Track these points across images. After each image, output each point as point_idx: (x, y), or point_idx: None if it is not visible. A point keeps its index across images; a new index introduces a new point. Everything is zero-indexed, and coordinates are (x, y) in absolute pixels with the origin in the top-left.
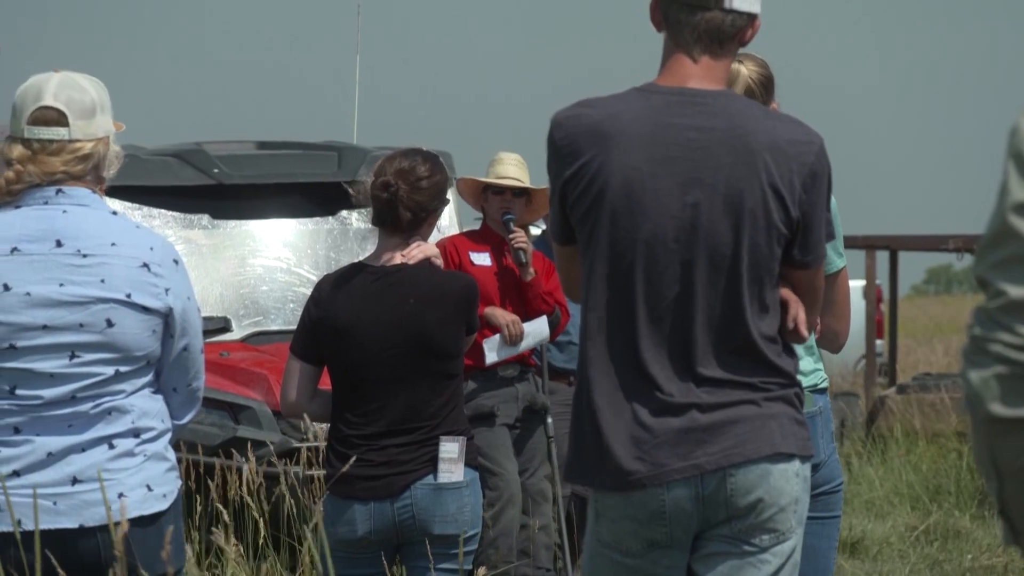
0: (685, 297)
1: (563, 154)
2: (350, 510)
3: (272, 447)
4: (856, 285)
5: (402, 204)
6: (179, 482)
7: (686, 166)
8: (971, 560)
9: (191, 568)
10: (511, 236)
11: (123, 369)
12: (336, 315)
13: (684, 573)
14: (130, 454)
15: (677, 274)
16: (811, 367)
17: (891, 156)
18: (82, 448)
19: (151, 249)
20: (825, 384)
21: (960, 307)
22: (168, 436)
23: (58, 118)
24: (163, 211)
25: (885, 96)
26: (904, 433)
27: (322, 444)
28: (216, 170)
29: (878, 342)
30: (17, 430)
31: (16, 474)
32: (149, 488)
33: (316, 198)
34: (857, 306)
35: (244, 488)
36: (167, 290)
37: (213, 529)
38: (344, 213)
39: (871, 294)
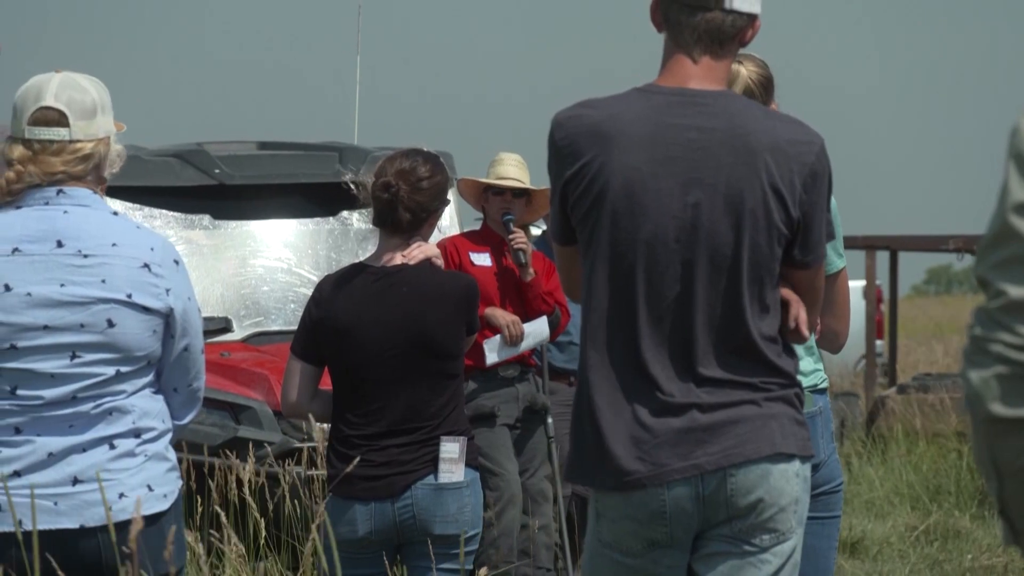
0: (686, 297)
1: (564, 154)
2: (351, 510)
3: (270, 449)
4: (856, 285)
5: (403, 205)
6: (180, 482)
7: (687, 166)
8: (971, 560)
9: (192, 568)
10: (511, 237)
11: (124, 369)
12: (337, 315)
13: (684, 573)
14: (131, 454)
15: (678, 274)
16: (811, 367)
17: (891, 156)
18: (83, 448)
19: (152, 249)
20: (825, 384)
21: (960, 307)
22: (169, 436)
23: (59, 118)
24: (164, 211)
25: (885, 96)
26: (904, 433)
27: (320, 444)
28: (217, 170)
29: (878, 342)
30: (18, 430)
31: (17, 474)
32: (150, 488)
33: (317, 198)
34: (857, 306)
35: (243, 489)
36: (168, 290)
37: (211, 532)
38: (345, 213)
39: (871, 294)
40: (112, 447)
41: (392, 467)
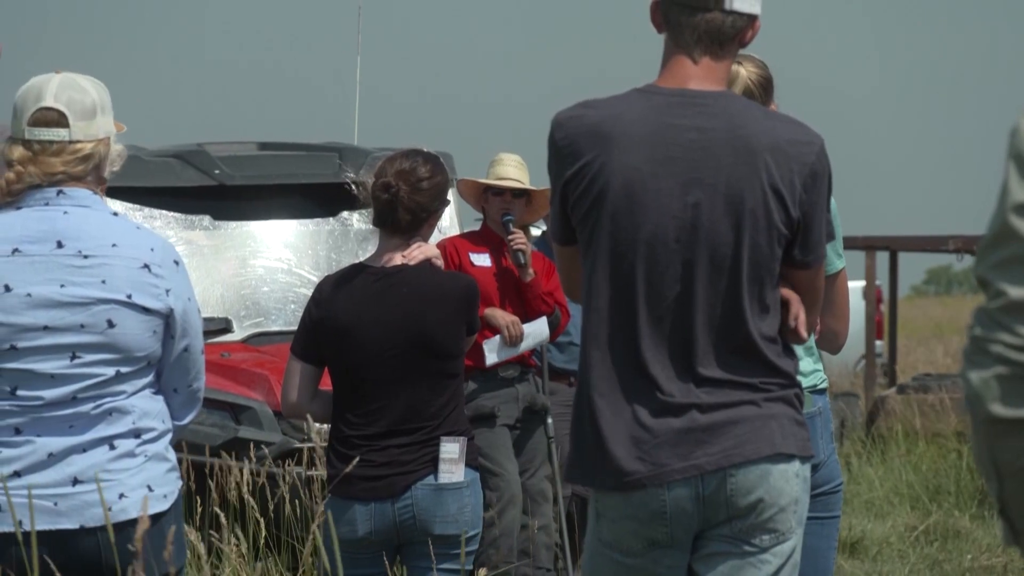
0: (686, 297)
1: (564, 155)
2: (351, 510)
3: (267, 450)
4: (856, 285)
5: (402, 205)
6: (180, 482)
7: (687, 166)
8: (971, 560)
9: (192, 568)
10: (510, 237)
11: (124, 370)
12: (337, 316)
13: (685, 573)
14: (131, 455)
15: (678, 274)
16: (811, 368)
17: (891, 156)
18: (83, 449)
19: (152, 250)
20: (824, 385)
21: (960, 308)
22: (169, 437)
23: (58, 119)
24: (164, 212)
25: (885, 96)
26: (904, 433)
27: (318, 445)
28: (217, 171)
29: (878, 342)
30: (18, 431)
31: (17, 475)
32: (150, 489)
33: (317, 199)
34: (857, 306)
35: (241, 489)
36: (168, 291)
37: (211, 532)
38: (345, 214)
39: (871, 294)
40: (112, 447)
41: (392, 467)
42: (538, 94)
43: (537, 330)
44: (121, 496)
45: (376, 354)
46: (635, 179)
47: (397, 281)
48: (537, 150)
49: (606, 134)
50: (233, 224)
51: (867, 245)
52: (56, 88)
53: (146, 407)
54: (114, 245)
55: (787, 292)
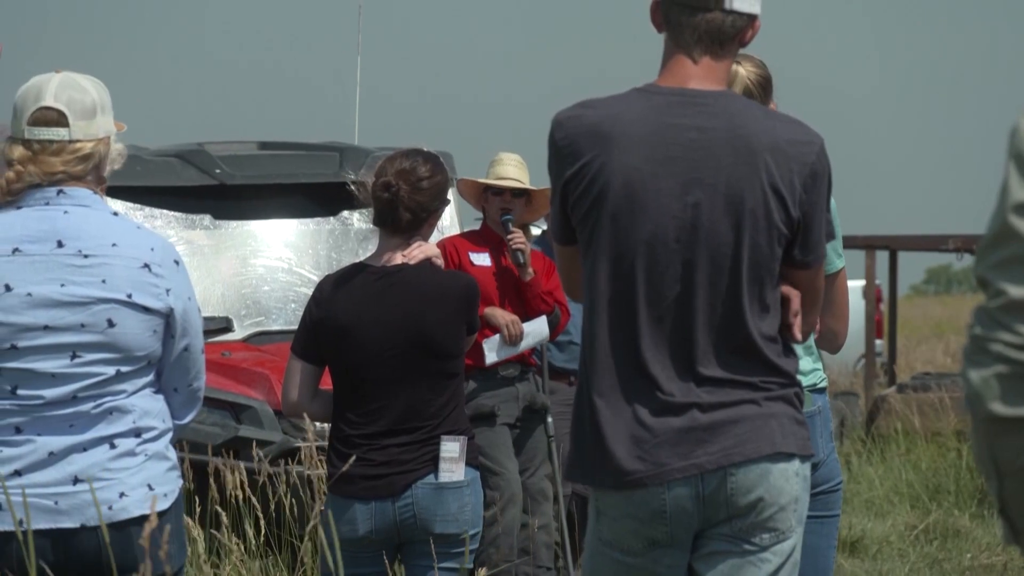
0: (686, 297)
1: (564, 154)
2: (351, 509)
3: (260, 453)
4: (856, 285)
5: (403, 204)
6: (180, 481)
7: (687, 166)
8: (970, 559)
9: (192, 568)
10: (509, 237)
11: (124, 369)
12: (337, 315)
13: (685, 572)
14: (131, 454)
15: (678, 274)
16: (810, 367)
17: (891, 156)
18: (83, 448)
19: (152, 250)
20: (824, 384)
21: (960, 307)
22: (169, 436)
23: (58, 119)
24: (165, 211)
25: (885, 96)
26: (904, 432)
27: (314, 444)
28: (218, 170)
29: (877, 342)
30: (19, 430)
31: (18, 473)
32: (150, 487)
33: (317, 198)
34: (857, 306)
35: (236, 490)
36: (168, 290)
37: (213, 531)
38: (345, 213)
39: (871, 294)
40: (113, 446)
41: (392, 466)
42: (538, 94)
43: (537, 329)
44: (122, 495)
45: (376, 353)
46: (635, 179)
47: (397, 280)
48: (537, 150)
49: (606, 134)
50: (234, 223)
51: (867, 244)
52: (56, 88)
53: (146, 406)
54: (114, 245)
55: (787, 289)
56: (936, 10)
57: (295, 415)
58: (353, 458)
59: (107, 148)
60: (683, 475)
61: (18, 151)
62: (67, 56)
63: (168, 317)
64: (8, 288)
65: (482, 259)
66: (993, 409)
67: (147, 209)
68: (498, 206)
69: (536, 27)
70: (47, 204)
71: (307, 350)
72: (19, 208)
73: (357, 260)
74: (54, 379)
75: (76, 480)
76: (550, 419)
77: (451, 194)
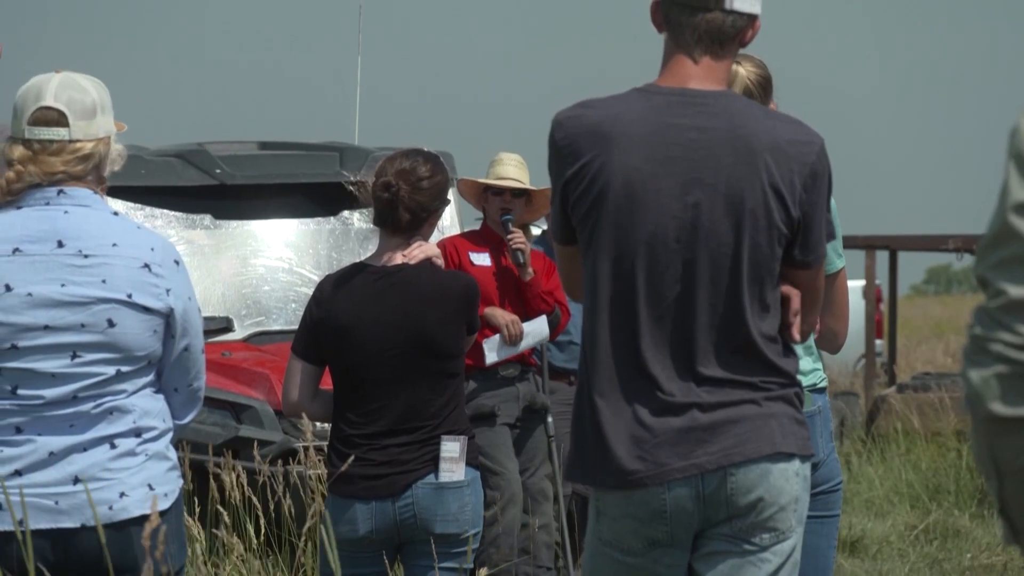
0: (686, 297)
1: (564, 154)
2: (351, 509)
3: (258, 454)
4: (856, 285)
5: (403, 204)
6: (180, 481)
7: (687, 166)
8: (970, 559)
9: (192, 567)
10: (509, 236)
11: (124, 369)
12: (337, 315)
13: (685, 572)
14: (131, 454)
15: (678, 274)
16: (810, 367)
17: (891, 156)
18: (84, 448)
19: (152, 250)
20: (824, 384)
21: (960, 307)
22: (169, 436)
23: (58, 118)
24: (166, 211)
25: (885, 96)
26: (904, 432)
27: (312, 444)
28: (218, 170)
29: (878, 342)
30: (19, 430)
31: (18, 473)
32: (151, 487)
33: (318, 198)
34: (857, 306)
35: (234, 491)
36: (168, 290)
37: (214, 530)
38: (346, 213)
39: (871, 294)
40: (113, 446)
41: (393, 466)
42: (538, 94)
43: (537, 329)
44: (122, 495)
45: (376, 354)
46: (635, 179)
47: (398, 280)
48: (537, 150)
49: (606, 134)
50: (234, 223)
51: (867, 244)
52: (56, 87)
53: (147, 406)
54: (114, 245)
55: (787, 289)
56: (936, 10)
57: (295, 415)
58: (352, 458)
59: (107, 148)
60: (683, 475)
61: (18, 151)
62: (67, 56)
63: (168, 317)
64: (8, 288)
65: (482, 259)
66: (993, 409)
67: (148, 209)
68: (498, 206)
69: (536, 27)
70: (47, 204)
71: (307, 350)
72: (19, 208)
73: (357, 260)
74: (54, 379)
75: (76, 480)
76: (550, 419)
77: (451, 194)
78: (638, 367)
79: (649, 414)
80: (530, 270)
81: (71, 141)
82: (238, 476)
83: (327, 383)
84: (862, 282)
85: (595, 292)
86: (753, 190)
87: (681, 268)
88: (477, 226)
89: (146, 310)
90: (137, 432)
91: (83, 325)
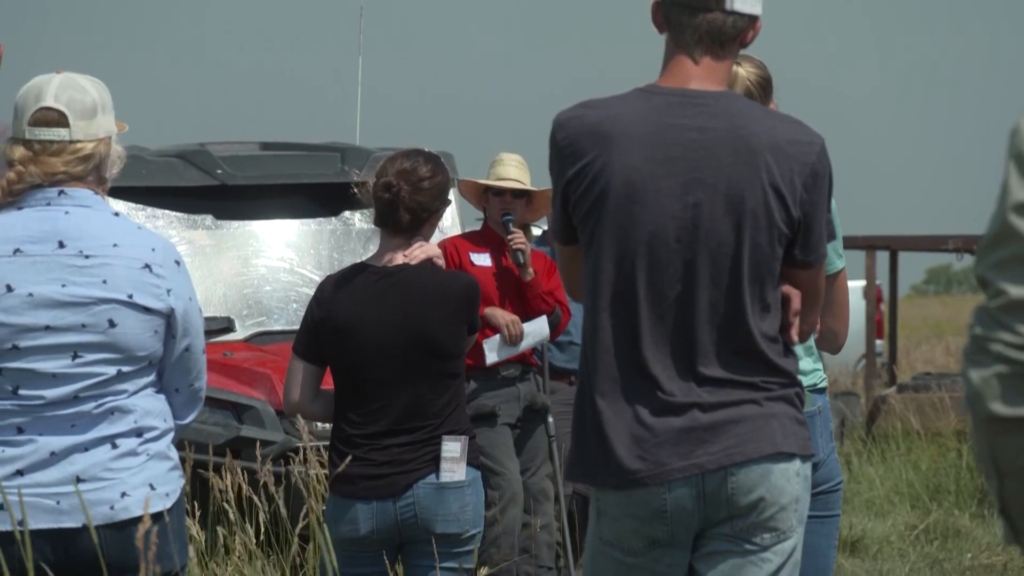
0: (687, 297)
1: (565, 155)
2: (352, 509)
3: (259, 455)
4: (856, 285)
5: (404, 205)
6: (182, 481)
7: (687, 166)
8: (971, 559)
9: (193, 567)
10: (509, 237)
11: (125, 369)
12: (338, 315)
13: (685, 571)
14: (133, 453)
15: (679, 274)
16: (810, 367)
17: (891, 157)
18: (85, 448)
19: (153, 250)
20: (824, 384)
21: (960, 307)
22: (171, 436)
23: (59, 119)
24: (167, 212)
25: (885, 97)
26: (904, 432)
27: (309, 444)
28: (220, 171)
29: (878, 342)
30: (20, 430)
31: (19, 473)
32: (152, 487)
33: (319, 199)
34: (857, 306)
35: (231, 492)
36: (169, 291)
37: (217, 528)
38: (347, 214)
39: (871, 294)
40: (114, 446)
41: (394, 466)
42: (538, 94)
43: (537, 329)
44: (123, 495)
45: (377, 354)
46: (636, 179)
47: (399, 281)
48: (537, 150)
49: (607, 134)
50: (235, 224)
51: (867, 245)
52: (56, 88)
53: (148, 406)
54: (115, 245)
55: (788, 289)
56: (936, 10)
57: (296, 415)
58: (349, 458)
59: (108, 148)
60: (684, 475)
61: (19, 151)
62: (67, 56)
63: (169, 317)
64: (9, 288)
65: (483, 259)
66: (993, 409)
67: (149, 209)
68: (499, 206)
69: (536, 27)
70: (48, 204)
71: (309, 350)
72: (20, 209)
73: (358, 260)
74: (55, 379)
75: (78, 480)
76: (551, 419)
77: (452, 194)
78: (639, 367)
79: (650, 414)
80: (530, 270)
81: (72, 141)
82: (240, 473)
83: (328, 383)
84: (862, 282)
85: (596, 292)
86: (753, 190)
87: (682, 268)
88: (478, 226)
89: (147, 310)
90: (138, 432)
91: (84, 325)
